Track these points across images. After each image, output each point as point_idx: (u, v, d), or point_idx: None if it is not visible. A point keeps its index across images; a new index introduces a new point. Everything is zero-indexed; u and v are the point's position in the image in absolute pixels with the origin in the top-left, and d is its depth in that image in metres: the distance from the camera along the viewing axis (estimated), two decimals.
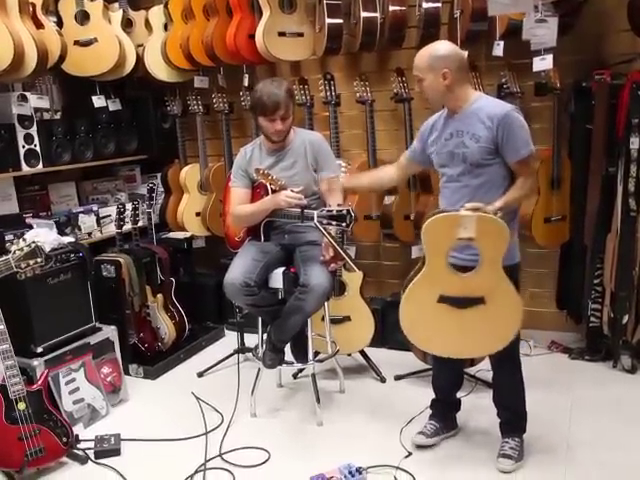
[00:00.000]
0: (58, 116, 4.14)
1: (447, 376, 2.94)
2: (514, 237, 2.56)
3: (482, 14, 3.27)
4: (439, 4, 3.52)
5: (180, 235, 4.35)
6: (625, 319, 3.44)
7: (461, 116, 2.56)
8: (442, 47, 2.53)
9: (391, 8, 3.57)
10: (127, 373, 3.71)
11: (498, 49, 3.41)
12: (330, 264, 2.99)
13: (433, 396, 2.99)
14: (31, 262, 2.52)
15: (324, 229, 2.82)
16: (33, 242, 2.55)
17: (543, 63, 3.30)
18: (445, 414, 2.97)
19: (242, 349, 3.87)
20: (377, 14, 3.61)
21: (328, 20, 3.70)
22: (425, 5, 3.52)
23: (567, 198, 3.60)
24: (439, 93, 2.53)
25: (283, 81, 3.09)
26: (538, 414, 2.97)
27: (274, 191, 3.02)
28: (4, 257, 2.48)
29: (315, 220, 2.80)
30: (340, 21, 3.74)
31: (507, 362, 2.69)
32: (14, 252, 2.50)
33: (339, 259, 3.00)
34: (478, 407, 3.01)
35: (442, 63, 2.48)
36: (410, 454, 2.78)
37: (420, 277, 2.52)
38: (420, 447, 2.85)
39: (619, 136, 3.30)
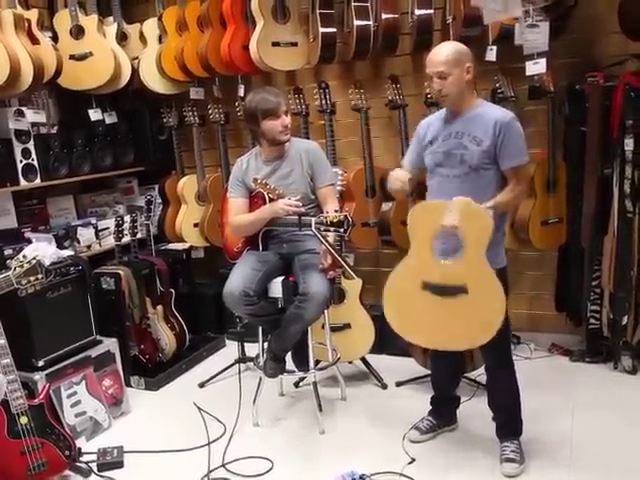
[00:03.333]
0: (55, 130, 4.15)
1: (445, 374, 2.99)
2: (501, 241, 2.61)
3: (474, 19, 3.30)
4: (431, 10, 3.55)
5: (179, 246, 4.36)
6: (625, 320, 3.45)
7: (463, 118, 2.59)
8: (460, 44, 2.59)
9: (384, 16, 3.59)
10: (129, 385, 3.70)
11: (491, 54, 3.44)
12: (329, 272, 3.00)
13: (433, 394, 3.03)
14: (32, 278, 2.52)
15: (322, 236, 2.83)
16: (34, 258, 2.54)
17: (536, 67, 3.32)
18: (444, 410, 3.02)
19: (243, 359, 3.86)
20: (370, 22, 3.64)
21: (322, 29, 3.73)
22: (418, 12, 3.55)
23: (563, 200, 3.61)
24: (460, 89, 2.55)
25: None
26: (540, 417, 2.98)
27: (272, 200, 3.03)
28: (4, 274, 2.48)
29: (313, 227, 2.81)
30: (334, 30, 3.77)
31: (500, 365, 2.71)
32: (14, 268, 2.49)
33: (338, 266, 3.01)
34: (479, 412, 3.01)
35: (467, 58, 2.53)
36: (413, 460, 2.78)
37: (403, 263, 2.57)
38: (413, 442, 2.91)
39: (613, 138, 3.32)
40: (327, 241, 2.87)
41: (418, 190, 3.77)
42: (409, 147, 2.88)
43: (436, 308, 2.49)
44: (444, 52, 2.54)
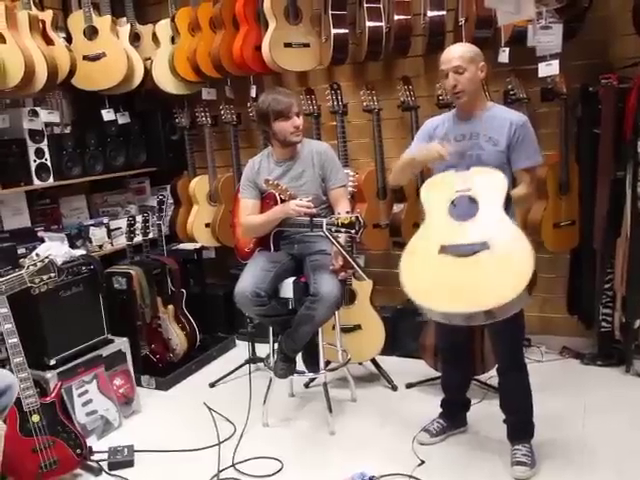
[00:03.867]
0: (68, 130, 4.18)
1: (456, 376, 2.98)
2: None
3: (487, 21, 3.30)
4: (444, 12, 3.54)
5: (190, 246, 4.37)
6: (637, 323, 3.42)
7: (477, 119, 2.60)
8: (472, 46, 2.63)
9: (396, 17, 3.59)
10: (139, 384, 3.72)
11: (504, 56, 3.43)
12: (340, 273, 3.00)
13: (443, 396, 3.03)
14: (44, 277, 2.54)
15: (333, 237, 2.83)
16: (47, 257, 2.56)
17: (549, 69, 3.32)
18: (454, 413, 3.02)
19: (253, 359, 3.87)
20: (382, 23, 3.63)
21: (334, 30, 3.73)
22: (430, 13, 3.54)
23: (576, 203, 3.59)
24: (476, 86, 2.58)
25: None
26: (551, 420, 2.97)
27: (283, 201, 3.04)
28: (18, 272, 2.49)
29: (324, 228, 2.81)
30: (346, 31, 3.76)
31: (513, 366, 2.69)
32: (27, 267, 2.51)
33: (349, 267, 3.01)
34: (490, 415, 3.00)
35: (481, 57, 2.57)
36: (423, 462, 2.77)
37: (419, 231, 2.55)
38: (423, 445, 2.91)
39: (627, 140, 3.30)
40: (338, 242, 2.87)
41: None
42: (409, 148, 2.83)
43: (459, 269, 2.38)
44: (459, 49, 2.58)
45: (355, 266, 2.98)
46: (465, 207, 2.48)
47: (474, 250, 2.37)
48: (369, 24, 3.63)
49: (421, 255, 2.50)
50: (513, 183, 2.56)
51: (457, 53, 2.55)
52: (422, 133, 2.79)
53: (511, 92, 3.50)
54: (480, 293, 2.32)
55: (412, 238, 2.57)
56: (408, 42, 3.68)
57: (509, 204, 2.53)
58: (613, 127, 3.34)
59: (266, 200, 3.18)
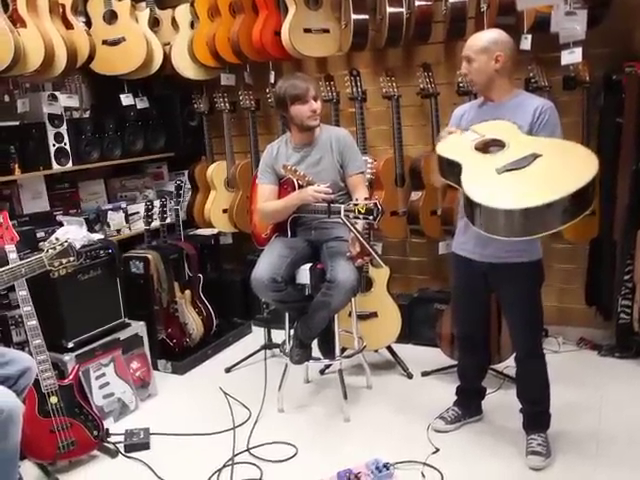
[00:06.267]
0: (87, 115, 4.21)
1: (472, 364, 2.98)
2: None
3: (509, 7, 3.25)
4: None
5: (207, 232, 4.38)
6: None
7: (501, 106, 2.58)
8: (499, 33, 2.56)
9: (417, 3, 3.55)
10: (156, 368, 3.75)
11: (526, 43, 3.38)
12: (357, 260, 2.99)
13: (459, 384, 3.03)
14: (64, 260, 2.55)
15: (351, 224, 2.82)
16: (66, 241, 2.58)
17: (572, 56, 3.27)
18: (469, 401, 3.02)
19: (269, 345, 3.89)
20: (403, 9, 3.60)
21: (354, 16, 3.70)
22: None
23: (596, 193, 3.54)
24: (487, 76, 2.54)
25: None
26: (568, 411, 2.95)
27: (301, 187, 3.03)
28: (37, 255, 2.51)
29: (342, 214, 2.81)
30: (366, 17, 3.74)
31: (531, 354, 2.68)
32: (47, 250, 2.53)
33: (366, 254, 3.00)
34: (506, 404, 2.99)
35: (498, 47, 2.51)
36: (437, 450, 2.77)
37: (465, 172, 2.31)
38: (438, 432, 2.92)
39: None
40: (356, 229, 2.86)
41: None
42: None
43: (527, 176, 2.19)
44: (477, 38, 2.56)
45: (372, 253, 2.97)
46: (491, 145, 2.41)
47: (528, 161, 2.23)
48: (390, 10, 3.59)
49: (486, 185, 2.25)
50: None
51: (469, 42, 2.56)
52: (452, 122, 2.78)
53: (532, 80, 3.46)
54: (558, 182, 2.12)
55: (463, 177, 2.32)
56: (429, 28, 3.64)
57: None
58: (636, 117, 3.30)
59: (284, 186, 3.17)
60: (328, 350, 3.30)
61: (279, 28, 3.88)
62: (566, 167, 2.21)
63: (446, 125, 2.84)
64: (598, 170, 2.14)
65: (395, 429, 3.01)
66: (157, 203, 3.98)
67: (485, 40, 2.53)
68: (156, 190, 4.66)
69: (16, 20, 3.30)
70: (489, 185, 2.23)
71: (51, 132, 3.67)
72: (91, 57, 3.71)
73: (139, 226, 4.15)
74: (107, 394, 3.23)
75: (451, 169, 2.40)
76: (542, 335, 2.66)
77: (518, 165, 2.23)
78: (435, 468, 2.64)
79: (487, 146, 2.41)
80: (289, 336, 3.27)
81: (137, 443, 2.97)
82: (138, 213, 4.18)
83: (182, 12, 4.24)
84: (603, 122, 3.50)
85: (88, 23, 4.00)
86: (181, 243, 4.05)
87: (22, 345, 3.17)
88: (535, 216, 2.09)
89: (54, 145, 3.69)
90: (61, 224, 3.59)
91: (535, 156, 2.24)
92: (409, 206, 3.84)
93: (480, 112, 2.64)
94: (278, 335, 3.76)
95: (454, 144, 2.48)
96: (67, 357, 3.09)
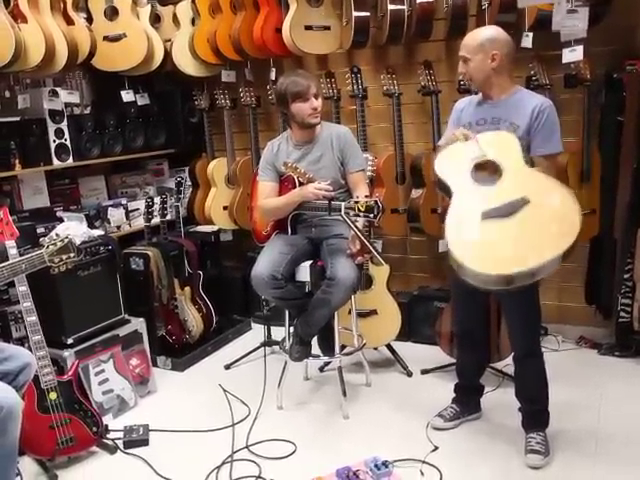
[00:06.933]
0: (88, 111, 4.20)
1: (471, 362, 2.98)
2: None
3: (510, 5, 3.26)
4: None
5: (207, 229, 4.38)
6: None
7: (500, 104, 2.57)
8: (496, 31, 2.55)
9: (418, 0, 3.54)
10: (155, 365, 3.75)
11: (527, 40, 3.38)
12: (357, 257, 2.99)
13: (457, 381, 3.03)
14: (64, 257, 2.54)
15: (351, 222, 2.82)
16: (66, 237, 2.57)
17: (573, 54, 3.27)
18: (468, 398, 3.01)
19: (269, 342, 3.89)
20: (404, 7, 3.59)
21: (355, 13, 3.70)
22: None
23: (597, 191, 3.54)
24: (484, 75, 2.54)
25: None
26: (567, 409, 2.96)
27: (302, 184, 3.03)
28: (37, 251, 2.51)
29: (342, 212, 2.80)
30: (367, 14, 3.73)
31: (530, 353, 2.68)
32: (47, 246, 2.52)
33: (366, 252, 3.00)
34: (505, 402, 2.99)
35: (494, 45, 2.50)
36: (436, 448, 2.77)
37: (454, 203, 2.37)
38: (437, 429, 2.92)
39: None
40: (356, 226, 2.86)
41: None
42: (447, 129, 2.83)
43: (508, 230, 2.23)
44: (471, 37, 2.56)
45: (372, 251, 2.97)
46: (488, 171, 2.41)
47: (515, 208, 2.24)
48: (391, 7, 3.59)
49: (469, 229, 2.29)
50: None
51: (465, 41, 2.56)
52: (453, 116, 2.79)
53: (533, 78, 3.45)
54: (539, 247, 2.17)
55: (449, 210, 2.35)
56: (430, 26, 3.63)
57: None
58: (637, 115, 3.29)
59: (284, 183, 3.17)
60: (328, 347, 3.30)
61: (280, 25, 3.87)
62: (551, 223, 2.23)
63: (446, 123, 2.85)
64: (578, 232, 2.22)
65: (394, 427, 3.01)
66: (157, 200, 3.98)
67: (480, 39, 2.52)
68: (156, 186, 4.66)
69: (17, 16, 3.30)
70: (470, 232, 2.28)
71: (52, 128, 3.67)
72: (92, 53, 3.71)
73: (139, 222, 4.16)
74: (106, 390, 3.23)
75: (444, 186, 2.44)
76: (540, 334, 2.65)
77: (504, 212, 2.25)
78: (434, 466, 2.64)
79: (485, 169, 2.40)
80: (289, 333, 3.27)
81: (136, 439, 2.97)
82: (138, 209, 4.19)
83: (183, 8, 4.24)
84: (604, 120, 3.50)
85: (89, 19, 3.99)
86: (181, 240, 4.05)
87: (22, 341, 3.17)
88: (507, 279, 2.16)
89: (55, 141, 3.69)
90: (61, 220, 3.60)
91: (524, 202, 2.25)
92: (410, 204, 3.83)
93: (478, 110, 2.64)
94: (278, 332, 3.76)
95: (455, 155, 2.46)
96: (66, 353, 3.09)
